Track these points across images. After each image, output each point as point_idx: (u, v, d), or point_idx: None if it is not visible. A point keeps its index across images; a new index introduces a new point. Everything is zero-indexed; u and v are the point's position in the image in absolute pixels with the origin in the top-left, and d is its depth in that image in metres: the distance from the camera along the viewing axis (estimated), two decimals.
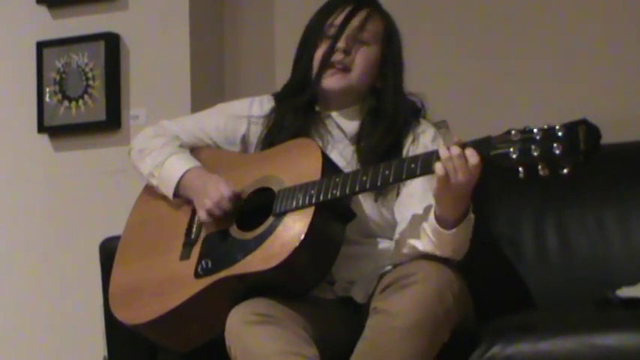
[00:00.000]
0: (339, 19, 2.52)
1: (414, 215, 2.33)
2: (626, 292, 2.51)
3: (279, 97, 2.62)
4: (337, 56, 2.50)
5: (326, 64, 2.51)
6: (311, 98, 2.55)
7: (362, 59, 2.52)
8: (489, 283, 2.31)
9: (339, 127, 2.56)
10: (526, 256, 2.89)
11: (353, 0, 2.55)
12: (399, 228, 2.39)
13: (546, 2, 3.27)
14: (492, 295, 2.30)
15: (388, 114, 2.51)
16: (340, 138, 2.55)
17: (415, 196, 2.38)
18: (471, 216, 2.27)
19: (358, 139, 2.52)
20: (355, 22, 2.51)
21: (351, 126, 2.54)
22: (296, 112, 2.55)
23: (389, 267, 2.41)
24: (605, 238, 2.83)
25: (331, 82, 2.52)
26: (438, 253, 2.27)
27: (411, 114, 2.55)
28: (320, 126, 2.56)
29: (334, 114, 2.56)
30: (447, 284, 2.22)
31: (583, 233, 2.86)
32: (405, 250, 2.33)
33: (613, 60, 3.19)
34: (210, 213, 2.46)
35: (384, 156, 2.42)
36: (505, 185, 2.82)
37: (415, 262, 2.27)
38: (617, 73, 3.19)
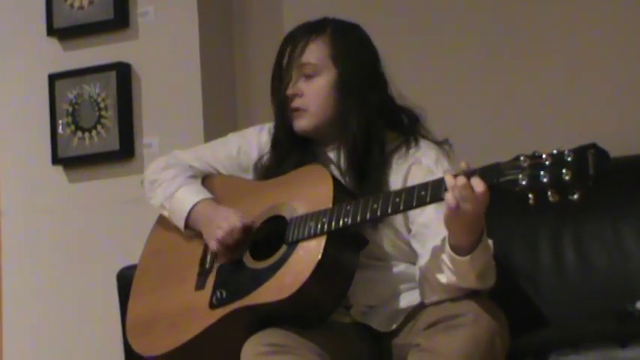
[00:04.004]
0: (284, 61, 2.50)
1: (433, 247, 2.30)
2: None
3: (274, 137, 2.59)
4: (292, 102, 2.48)
5: (286, 111, 2.50)
6: (296, 139, 2.52)
7: (314, 95, 2.48)
8: (508, 300, 2.30)
9: (331, 160, 2.52)
10: (544, 271, 2.87)
11: (291, 37, 2.52)
12: (421, 261, 2.36)
13: (553, 19, 3.26)
14: (511, 312, 2.28)
15: (358, 133, 2.44)
16: (336, 172, 2.50)
17: (431, 227, 2.35)
18: (488, 242, 2.25)
19: (348, 170, 2.47)
20: (296, 58, 2.48)
21: (341, 158, 2.50)
22: (292, 150, 2.53)
23: (414, 299, 2.40)
24: (624, 251, 2.82)
25: (297, 125, 2.50)
26: (462, 284, 2.24)
27: (410, 129, 2.51)
28: (319, 159, 2.52)
29: (326, 148, 2.53)
30: (497, 327, 2.20)
31: (601, 247, 2.84)
32: (431, 286, 2.30)
33: (627, 71, 3.18)
34: (222, 242, 2.45)
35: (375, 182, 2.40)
36: (522, 200, 2.81)
37: (464, 301, 2.23)
38: (631, 84, 3.18)
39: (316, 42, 2.50)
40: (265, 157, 2.60)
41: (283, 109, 2.51)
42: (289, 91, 2.49)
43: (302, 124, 2.50)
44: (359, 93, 2.47)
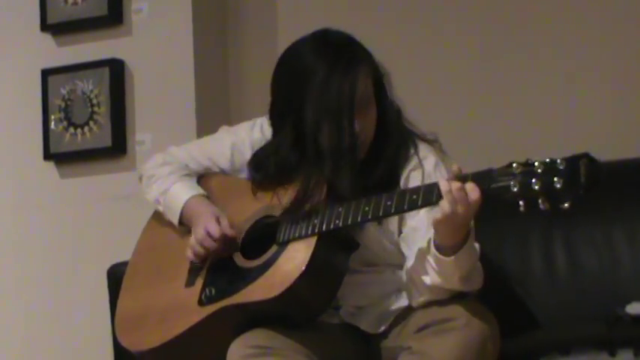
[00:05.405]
0: (345, 94, 2.33)
1: (419, 249, 2.29)
2: (636, 308, 2.50)
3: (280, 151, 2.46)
4: (358, 138, 2.36)
5: (355, 143, 2.35)
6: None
7: (370, 127, 2.40)
8: (498, 303, 2.30)
9: None
10: (535, 275, 2.87)
11: (349, 63, 2.36)
12: (408, 263, 2.35)
13: (549, 23, 3.26)
14: (501, 315, 2.28)
15: (388, 152, 2.43)
16: None
17: (421, 230, 2.34)
18: (475, 245, 2.24)
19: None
20: (359, 93, 2.35)
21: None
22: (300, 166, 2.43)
23: (403, 302, 2.39)
24: (614, 255, 2.82)
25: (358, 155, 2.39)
26: (446, 286, 2.23)
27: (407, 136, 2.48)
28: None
29: None
30: (489, 332, 2.21)
31: (592, 250, 2.84)
32: (417, 287, 2.30)
33: (619, 76, 3.19)
34: (193, 251, 2.46)
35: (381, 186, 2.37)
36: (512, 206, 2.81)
37: (455, 305, 2.23)
38: (624, 89, 3.18)
39: (369, 72, 2.40)
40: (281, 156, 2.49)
41: (348, 146, 2.34)
42: (358, 127, 2.35)
43: (360, 153, 2.39)
44: (394, 126, 2.45)
